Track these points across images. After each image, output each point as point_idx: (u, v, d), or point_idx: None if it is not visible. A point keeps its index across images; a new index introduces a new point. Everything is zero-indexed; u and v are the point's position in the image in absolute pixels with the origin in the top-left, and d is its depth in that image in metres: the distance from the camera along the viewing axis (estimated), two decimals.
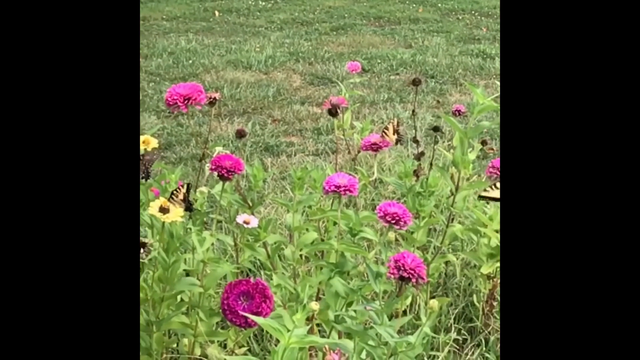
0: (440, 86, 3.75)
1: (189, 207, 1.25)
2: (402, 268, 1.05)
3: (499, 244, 1.57)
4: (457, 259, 1.72)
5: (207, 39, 4.81)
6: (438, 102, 3.51)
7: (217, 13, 5.72)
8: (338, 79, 3.73)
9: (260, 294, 1.04)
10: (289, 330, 0.89)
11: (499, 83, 1.69)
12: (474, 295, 1.65)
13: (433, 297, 1.66)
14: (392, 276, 1.06)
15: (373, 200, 2.23)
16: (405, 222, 1.15)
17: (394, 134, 1.47)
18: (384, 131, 1.48)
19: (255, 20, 5.48)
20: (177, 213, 1.16)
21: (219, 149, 1.43)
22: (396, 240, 1.86)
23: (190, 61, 4.16)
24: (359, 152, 1.84)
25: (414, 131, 2.21)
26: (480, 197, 1.54)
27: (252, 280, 1.06)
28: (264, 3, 6.14)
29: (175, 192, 1.20)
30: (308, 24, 5.35)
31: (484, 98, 1.47)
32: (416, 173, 1.71)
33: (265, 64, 4.12)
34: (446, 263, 1.77)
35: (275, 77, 3.92)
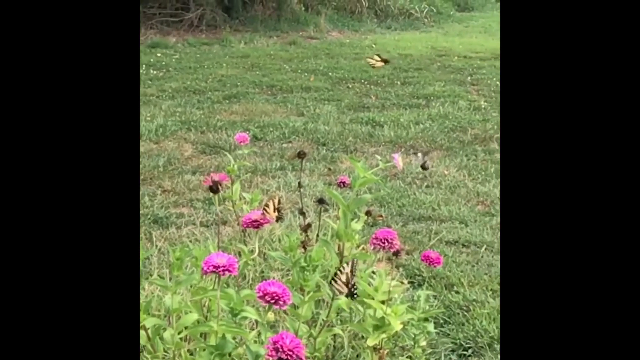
0: (332, 154, 3.81)
1: None
2: (281, 349, 1.04)
3: (384, 315, 1.58)
4: (344, 331, 1.71)
5: None
6: (329, 169, 3.57)
7: None
8: (230, 148, 3.73)
9: None
10: None
11: (381, 156, 1.74)
12: None
13: None
14: (271, 358, 1.05)
15: (262, 272, 2.21)
16: (284, 302, 1.14)
17: (274, 211, 1.47)
18: (264, 208, 1.48)
19: (146, 89, 5.44)
20: None
21: None
22: (285, 313, 1.84)
23: None
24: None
25: (301, 202, 2.22)
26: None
27: None
28: (155, 72, 6.12)
29: None
30: (200, 92, 5.35)
31: (365, 172, 1.51)
32: (304, 244, 1.71)
33: (156, 133, 4.07)
34: (334, 336, 1.76)
35: (166, 146, 3.88)
